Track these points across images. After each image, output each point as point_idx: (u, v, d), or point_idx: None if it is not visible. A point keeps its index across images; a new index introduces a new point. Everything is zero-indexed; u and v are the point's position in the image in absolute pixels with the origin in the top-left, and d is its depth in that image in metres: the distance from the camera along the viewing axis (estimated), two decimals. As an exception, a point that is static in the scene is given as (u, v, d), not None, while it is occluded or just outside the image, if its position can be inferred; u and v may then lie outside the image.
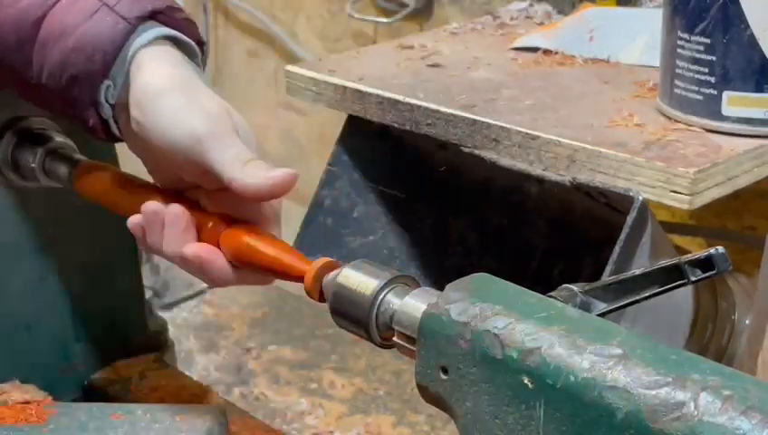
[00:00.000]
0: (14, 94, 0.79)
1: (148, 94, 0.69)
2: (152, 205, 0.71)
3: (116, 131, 0.73)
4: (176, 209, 0.70)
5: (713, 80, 0.91)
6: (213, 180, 0.70)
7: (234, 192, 0.69)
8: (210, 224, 0.71)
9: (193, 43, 0.74)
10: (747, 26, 0.89)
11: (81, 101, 0.71)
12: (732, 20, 0.89)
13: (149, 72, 0.70)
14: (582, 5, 1.28)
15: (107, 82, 0.70)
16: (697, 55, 0.92)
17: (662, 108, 0.97)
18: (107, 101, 0.71)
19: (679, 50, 0.93)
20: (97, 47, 0.70)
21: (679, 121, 0.95)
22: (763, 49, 0.89)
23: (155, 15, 0.72)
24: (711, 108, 0.92)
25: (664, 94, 0.97)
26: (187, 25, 0.74)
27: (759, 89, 0.90)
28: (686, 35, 0.92)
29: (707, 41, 0.91)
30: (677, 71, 0.94)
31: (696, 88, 0.93)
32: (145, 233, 0.71)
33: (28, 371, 0.92)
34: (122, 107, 0.72)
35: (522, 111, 0.99)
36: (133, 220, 0.71)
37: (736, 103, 0.91)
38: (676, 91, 0.95)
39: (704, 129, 0.93)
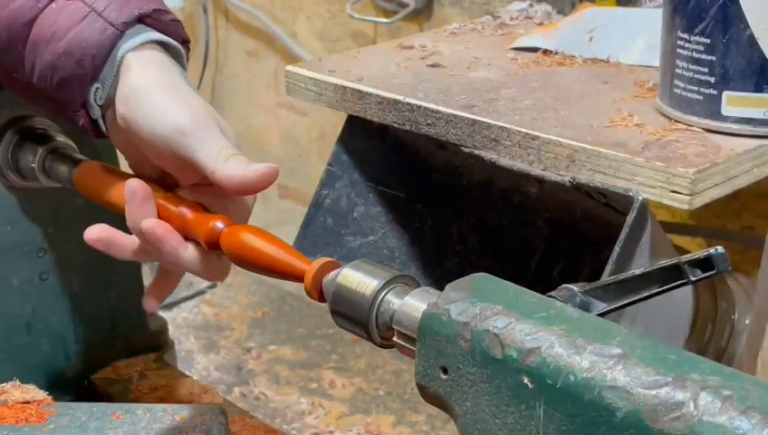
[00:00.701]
0: (14, 94, 0.79)
1: (136, 92, 0.72)
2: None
3: (104, 129, 0.76)
4: (132, 184, 0.72)
5: (712, 80, 0.91)
6: (191, 175, 0.73)
7: (213, 187, 0.72)
8: (210, 223, 0.71)
9: (178, 45, 0.77)
10: (747, 26, 0.89)
11: (72, 102, 0.74)
12: (731, 20, 0.89)
13: (137, 73, 0.73)
14: (582, 5, 1.28)
15: (96, 85, 0.73)
16: (697, 55, 0.92)
17: (662, 108, 0.97)
18: (96, 103, 0.74)
19: (679, 50, 0.93)
20: (86, 52, 0.72)
21: (679, 121, 0.95)
22: (763, 49, 0.89)
23: (142, 19, 0.74)
24: (711, 108, 0.92)
25: (664, 94, 0.97)
26: (173, 27, 0.77)
27: (759, 89, 0.90)
28: (685, 35, 0.92)
29: (707, 41, 0.91)
30: (677, 71, 0.94)
31: (696, 88, 0.93)
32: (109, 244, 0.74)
33: (28, 371, 0.92)
34: (109, 104, 0.74)
35: (521, 111, 1.00)
36: (90, 236, 0.74)
37: (736, 103, 0.91)
38: (676, 91, 0.95)
39: (703, 129, 0.93)
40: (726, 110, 0.92)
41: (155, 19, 0.75)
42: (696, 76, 0.92)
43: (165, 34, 0.75)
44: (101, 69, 0.73)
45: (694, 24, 0.91)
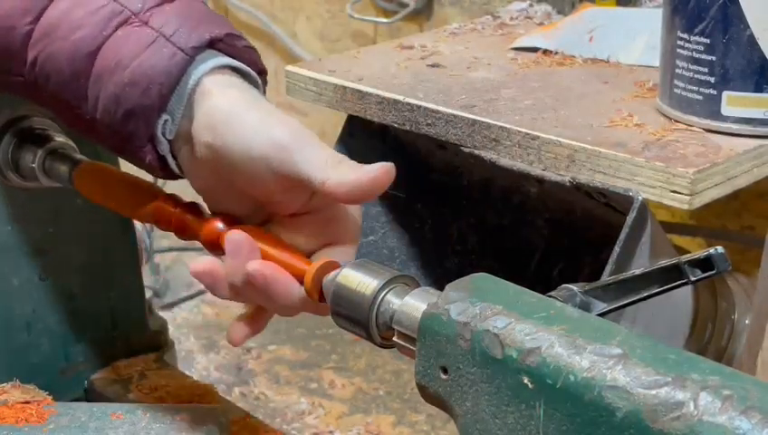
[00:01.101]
0: (16, 97, 0.78)
1: (220, 116, 0.66)
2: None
3: (174, 167, 0.70)
4: (236, 237, 0.66)
5: (712, 80, 0.91)
6: (293, 197, 0.67)
7: (312, 214, 0.68)
8: (211, 224, 0.71)
9: (254, 73, 0.70)
10: (747, 26, 0.89)
11: (138, 136, 0.68)
12: (731, 20, 0.89)
13: (217, 97, 0.67)
14: (582, 5, 1.28)
15: (164, 117, 0.67)
16: (697, 55, 0.92)
17: (662, 108, 0.97)
18: (164, 137, 0.68)
19: (679, 50, 0.93)
20: (153, 80, 0.66)
21: (679, 121, 0.95)
22: (763, 49, 0.89)
23: (214, 44, 0.68)
24: (711, 108, 0.92)
25: (664, 94, 0.97)
26: (247, 54, 0.70)
27: (758, 89, 0.90)
28: (685, 35, 0.92)
29: (707, 41, 0.91)
30: (677, 71, 0.94)
31: (696, 88, 0.93)
32: (215, 277, 0.68)
33: (28, 371, 0.92)
34: (184, 140, 0.68)
35: (522, 111, 1.00)
36: (196, 269, 0.68)
37: (736, 103, 0.91)
38: (676, 91, 0.95)
39: (703, 129, 0.93)
40: (726, 110, 0.92)
41: (228, 44, 0.68)
42: (696, 76, 0.92)
43: (239, 61, 0.69)
44: (169, 98, 0.66)
45: (694, 24, 0.91)
